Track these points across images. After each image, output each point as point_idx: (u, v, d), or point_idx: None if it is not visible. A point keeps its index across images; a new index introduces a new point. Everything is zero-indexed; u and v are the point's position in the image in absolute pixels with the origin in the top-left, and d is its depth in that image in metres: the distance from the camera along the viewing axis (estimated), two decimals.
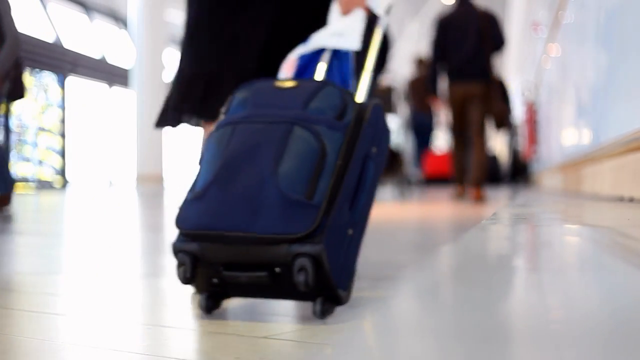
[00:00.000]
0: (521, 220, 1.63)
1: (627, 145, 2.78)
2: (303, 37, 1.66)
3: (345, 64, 1.57)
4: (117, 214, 5.11)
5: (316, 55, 1.58)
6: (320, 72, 1.54)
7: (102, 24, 15.07)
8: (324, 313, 1.20)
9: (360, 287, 1.66)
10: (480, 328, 0.44)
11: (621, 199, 2.83)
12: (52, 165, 12.93)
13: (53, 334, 1.17)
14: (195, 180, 1.29)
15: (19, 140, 12.10)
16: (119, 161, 14.97)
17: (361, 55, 1.62)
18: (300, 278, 1.16)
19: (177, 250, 1.25)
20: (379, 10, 1.71)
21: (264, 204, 1.21)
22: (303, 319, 1.29)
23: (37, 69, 12.44)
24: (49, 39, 12.89)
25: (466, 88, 6.18)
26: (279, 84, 1.39)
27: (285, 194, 1.21)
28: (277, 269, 1.19)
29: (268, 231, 1.19)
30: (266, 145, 1.25)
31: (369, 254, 2.57)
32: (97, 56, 14.40)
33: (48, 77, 12.81)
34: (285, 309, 1.40)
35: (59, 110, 13.05)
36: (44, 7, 12.93)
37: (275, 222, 1.20)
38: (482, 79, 6.21)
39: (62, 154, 13.08)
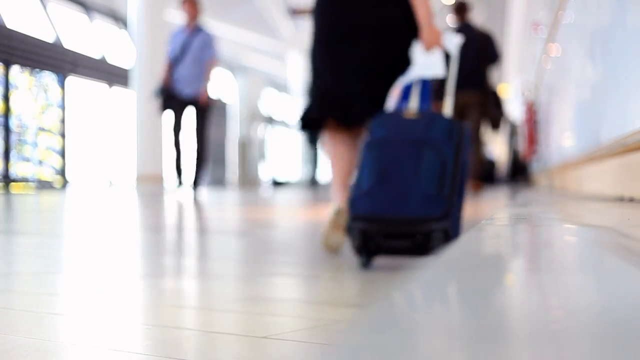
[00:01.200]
0: (521, 220, 1.63)
1: (627, 145, 2.78)
2: (395, 69, 2.46)
3: (426, 89, 2.33)
4: (117, 214, 5.11)
5: (410, 84, 2.34)
6: (414, 97, 2.31)
7: (102, 24, 15.07)
8: None
9: (360, 287, 1.66)
10: (480, 328, 0.44)
11: (621, 199, 2.83)
12: (52, 165, 12.93)
13: (53, 334, 1.17)
14: (360, 182, 2.03)
15: (19, 140, 12.10)
16: (119, 161, 14.97)
17: (441, 83, 2.51)
18: (436, 244, 1.89)
19: (350, 228, 1.97)
20: (451, 47, 2.48)
21: (411, 197, 1.94)
22: (303, 318, 1.29)
23: (37, 69, 12.44)
24: (49, 39, 12.89)
25: (465, 96, 7.04)
26: (404, 114, 2.15)
27: (424, 191, 1.96)
28: (419, 238, 1.91)
29: (415, 214, 1.93)
30: (408, 160, 2.01)
31: None
32: (97, 56, 14.40)
33: (48, 77, 12.81)
34: (285, 308, 1.40)
35: (59, 110, 13.05)
36: (44, 7, 12.93)
37: (419, 208, 1.93)
38: (479, 89, 7.27)
39: (62, 154, 13.08)
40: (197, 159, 7.48)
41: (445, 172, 2.01)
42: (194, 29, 7.55)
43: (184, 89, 7.33)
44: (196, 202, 6.61)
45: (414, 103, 2.29)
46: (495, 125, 7.50)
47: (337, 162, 2.61)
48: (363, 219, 1.96)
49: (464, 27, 7.21)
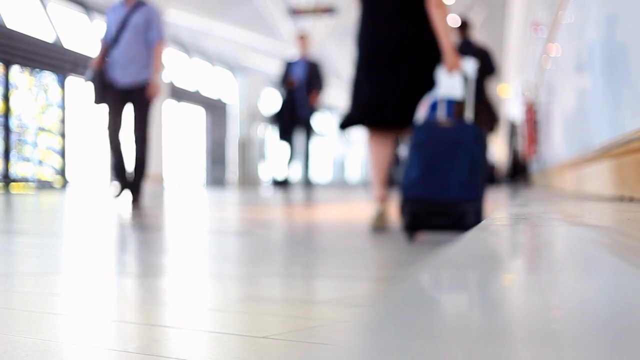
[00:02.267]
0: (521, 220, 1.63)
1: (627, 145, 2.78)
2: (423, 88, 3.25)
3: (450, 106, 3.13)
4: (116, 213, 5.11)
5: (436, 100, 3.16)
6: (441, 110, 3.10)
7: (102, 24, 15.06)
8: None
9: (360, 287, 1.66)
10: (480, 328, 0.44)
11: (621, 199, 2.83)
12: (52, 165, 12.93)
13: (53, 334, 1.17)
14: (409, 174, 2.69)
15: (19, 140, 12.10)
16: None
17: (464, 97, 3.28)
18: (470, 221, 2.51)
19: (402, 209, 2.66)
20: (468, 70, 3.22)
21: (450, 185, 2.62)
22: (303, 318, 1.29)
23: (37, 69, 12.45)
24: (49, 39, 12.89)
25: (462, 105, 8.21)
26: (440, 123, 2.85)
27: (461, 180, 2.62)
28: (456, 216, 2.58)
29: (454, 198, 2.60)
30: (446, 156, 2.68)
31: (369, 253, 2.57)
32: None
33: (48, 77, 12.82)
34: (285, 308, 1.40)
35: (59, 110, 13.05)
36: (44, 7, 12.93)
37: (457, 193, 2.60)
38: (477, 99, 8.09)
39: (62, 154, 13.08)
40: (137, 163, 5.73)
41: (474, 166, 2.69)
42: (135, 3, 6.00)
43: (119, 77, 5.73)
44: (136, 214, 4.99)
45: (442, 115, 3.08)
46: (490, 129, 8.60)
47: (376, 161, 3.42)
48: (413, 201, 2.66)
49: (465, 44, 7.99)
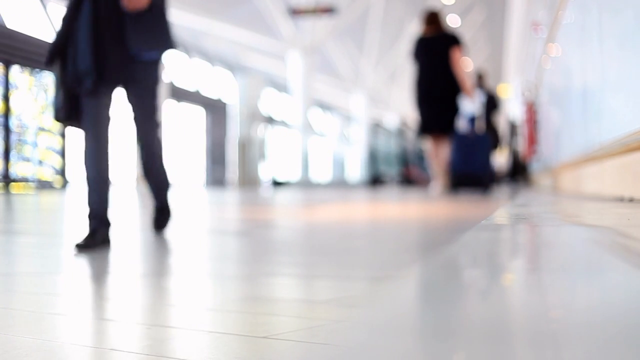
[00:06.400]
0: (521, 220, 1.63)
1: (627, 145, 2.78)
2: (454, 113, 8.30)
3: (471, 120, 10.11)
4: (117, 213, 5.11)
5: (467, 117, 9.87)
6: (465, 124, 9.61)
7: None
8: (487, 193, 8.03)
9: (360, 287, 1.66)
10: (480, 328, 0.44)
11: (621, 199, 2.83)
12: (52, 165, 12.93)
13: (53, 334, 1.17)
14: (456, 158, 7.91)
15: (19, 140, 12.10)
16: (119, 161, 14.97)
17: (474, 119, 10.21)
18: (486, 184, 7.95)
19: (452, 177, 7.93)
20: (480, 100, 10.93)
21: (477, 165, 7.96)
22: (303, 318, 1.29)
23: (37, 69, 12.44)
24: (49, 39, 12.88)
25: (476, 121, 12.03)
26: (470, 135, 8.14)
27: (481, 162, 8.03)
28: (479, 181, 7.93)
29: (480, 171, 7.98)
30: (473, 152, 8.01)
31: (369, 253, 2.57)
32: None
33: (48, 77, 12.80)
34: (285, 308, 1.40)
35: None
36: (44, 7, 12.92)
37: (480, 169, 8.03)
38: (487, 124, 11.75)
39: (62, 154, 13.08)
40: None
41: (488, 155, 7.92)
42: None
43: None
44: None
45: (464, 126, 8.14)
46: (494, 147, 11.66)
47: (435, 157, 7.98)
48: (457, 173, 7.63)
49: (480, 90, 11.66)
